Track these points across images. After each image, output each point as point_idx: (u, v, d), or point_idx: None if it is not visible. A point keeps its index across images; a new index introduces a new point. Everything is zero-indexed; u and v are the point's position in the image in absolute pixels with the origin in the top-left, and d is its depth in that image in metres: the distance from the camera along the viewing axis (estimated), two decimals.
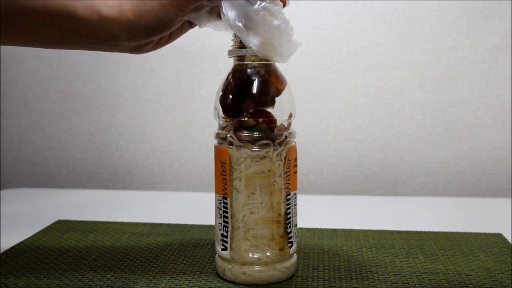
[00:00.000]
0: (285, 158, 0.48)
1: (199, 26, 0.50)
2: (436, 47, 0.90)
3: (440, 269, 0.53)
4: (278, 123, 0.48)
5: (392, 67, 0.91)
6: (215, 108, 0.49)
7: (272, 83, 0.48)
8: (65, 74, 0.98)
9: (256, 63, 0.48)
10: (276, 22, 0.44)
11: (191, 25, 0.50)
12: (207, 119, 0.96)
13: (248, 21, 0.44)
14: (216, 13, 0.48)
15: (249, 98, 0.47)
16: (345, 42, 0.91)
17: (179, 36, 0.52)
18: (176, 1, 0.44)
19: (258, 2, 0.44)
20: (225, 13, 0.45)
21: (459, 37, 0.89)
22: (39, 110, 1.00)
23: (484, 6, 0.88)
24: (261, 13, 0.44)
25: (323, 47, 0.92)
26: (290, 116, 0.49)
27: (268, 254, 0.48)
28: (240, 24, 0.44)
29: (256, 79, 0.47)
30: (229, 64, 0.50)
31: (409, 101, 0.91)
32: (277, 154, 0.48)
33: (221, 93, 0.48)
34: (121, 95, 0.98)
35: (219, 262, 0.51)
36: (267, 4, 0.44)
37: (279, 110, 0.48)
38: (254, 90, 0.47)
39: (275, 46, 0.45)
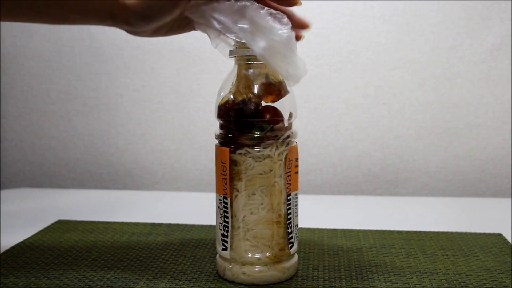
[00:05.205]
0: (286, 158, 0.48)
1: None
2: (436, 47, 0.90)
3: (440, 269, 0.53)
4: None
5: (392, 67, 0.91)
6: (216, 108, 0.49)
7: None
8: (65, 74, 0.98)
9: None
10: (281, 31, 0.44)
11: (193, 26, 0.50)
12: (207, 119, 0.95)
13: (253, 25, 0.44)
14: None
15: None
16: (345, 42, 0.91)
17: (180, 32, 0.52)
18: None
19: (265, 8, 0.44)
20: (223, 18, 0.44)
21: (459, 37, 0.89)
22: (39, 110, 1.00)
23: (484, 6, 0.88)
24: (268, 18, 0.44)
25: (323, 47, 0.92)
26: (290, 116, 0.49)
27: (268, 254, 0.48)
28: (245, 26, 0.44)
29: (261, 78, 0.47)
30: (230, 64, 0.50)
31: (409, 101, 0.91)
32: (279, 153, 0.48)
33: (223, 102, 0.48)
34: (121, 95, 0.98)
35: (219, 262, 0.51)
36: (274, 11, 0.44)
37: (279, 110, 0.48)
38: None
39: (280, 54, 0.44)
